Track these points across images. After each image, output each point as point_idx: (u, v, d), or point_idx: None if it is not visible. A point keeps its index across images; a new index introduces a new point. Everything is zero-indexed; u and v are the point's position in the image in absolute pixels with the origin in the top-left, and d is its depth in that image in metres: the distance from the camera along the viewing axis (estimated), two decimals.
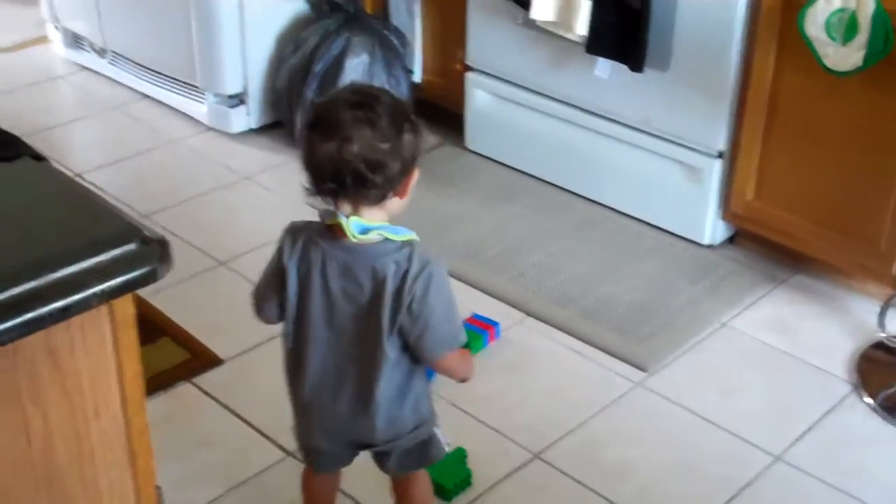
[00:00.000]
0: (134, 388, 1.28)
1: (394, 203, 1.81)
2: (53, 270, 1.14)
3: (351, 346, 1.86)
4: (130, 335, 1.26)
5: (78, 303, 1.14)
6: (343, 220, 1.76)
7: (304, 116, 1.81)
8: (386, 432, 1.92)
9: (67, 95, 4.18)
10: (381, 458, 2.02)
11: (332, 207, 1.79)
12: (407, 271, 1.78)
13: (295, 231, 1.86)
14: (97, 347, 1.23)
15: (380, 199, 1.78)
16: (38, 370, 1.20)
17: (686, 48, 3.01)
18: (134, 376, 1.28)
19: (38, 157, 1.36)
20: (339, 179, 1.73)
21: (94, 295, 1.15)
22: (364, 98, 1.77)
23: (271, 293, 1.89)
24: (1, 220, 1.23)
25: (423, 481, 2.11)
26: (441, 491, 2.31)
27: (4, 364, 1.17)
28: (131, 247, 1.19)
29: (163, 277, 1.21)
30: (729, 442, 2.53)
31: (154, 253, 1.20)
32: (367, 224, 1.77)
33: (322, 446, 2.00)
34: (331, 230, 1.81)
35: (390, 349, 1.83)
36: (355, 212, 1.78)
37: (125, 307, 1.24)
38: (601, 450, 2.50)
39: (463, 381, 1.99)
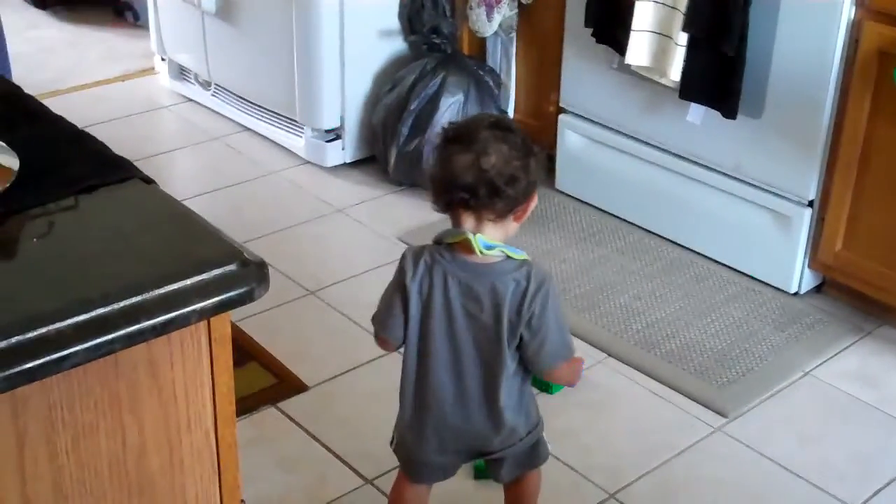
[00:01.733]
0: (226, 403, 1.34)
1: (511, 225, 1.95)
2: (158, 287, 1.20)
3: (471, 362, 1.98)
4: (226, 352, 1.32)
5: (178, 318, 1.20)
6: (470, 236, 1.88)
7: (439, 135, 1.96)
8: (504, 440, 2.04)
9: (171, 125, 4.31)
10: (494, 466, 2.13)
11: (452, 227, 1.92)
12: (526, 289, 1.91)
13: (415, 253, 1.96)
14: (194, 362, 1.29)
15: (505, 214, 1.91)
16: (139, 380, 1.26)
17: (779, 96, 3.02)
18: (226, 392, 1.34)
19: (148, 181, 1.44)
20: (473, 189, 1.86)
21: (194, 312, 1.21)
22: (500, 121, 1.95)
23: (396, 315, 1.98)
24: (112, 238, 1.30)
25: (534, 482, 2.21)
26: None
27: (108, 372, 1.24)
28: (231, 267, 1.25)
29: (260, 298, 1.27)
30: (807, 491, 2.52)
31: (252, 274, 1.26)
32: (490, 241, 1.89)
33: (433, 460, 2.10)
34: (451, 249, 1.92)
35: (510, 362, 1.96)
36: (478, 229, 1.90)
37: (222, 325, 1.30)
38: (677, 493, 2.51)
39: (569, 385, 2.14)
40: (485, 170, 1.85)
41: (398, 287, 1.97)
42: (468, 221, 1.91)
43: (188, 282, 1.22)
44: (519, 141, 1.91)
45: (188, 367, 1.29)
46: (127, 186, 1.41)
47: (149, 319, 1.18)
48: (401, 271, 1.96)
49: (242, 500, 1.44)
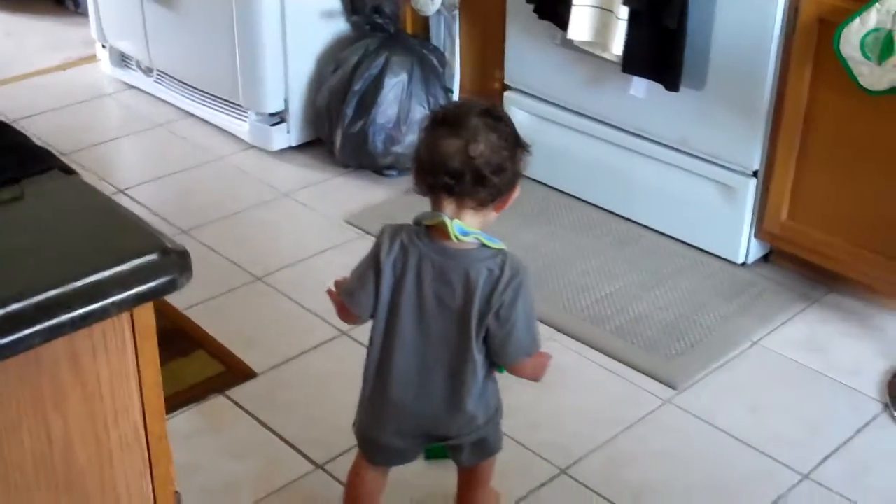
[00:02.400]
0: (153, 395, 1.31)
1: (491, 215, 1.93)
2: (76, 279, 1.18)
3: (438, 348, 1.96)
4: (151, 343, 1.29)
5: (98, 311, 1.18)
6: (447, 221, 1.86)
7: (426, 118, 1.93)
8: (461, 427, 2.03)
9: (114, 113, 4.26)
10: (454, 451, 2.12)
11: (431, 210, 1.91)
12: (499, 278, 1.89)
13: (393, 231, 1.95)
14: (118, 355, 1.27)
15: (487, 203, 1.90)
16: (61, 375, 1.24)
17: (722, 67, 3.02)
18: (153, 384, 1.31)
19: (68, 171, 1.41)
20: (458, 175, 1.84)
21: (114, 304, 1.18)
22: (491, 109, 1.92)
23: (366, 288, 1.95)
24: (28, 231, 1.27)
25: (488, 464, 2.20)
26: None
27: (28, 368, 1.21)
28: (152, 257, 1.22)
29: (183, 287, 1.25)
30: (757, 460, 2.53)
31: (174, 263, 1.23)
32: (466, 228, 1.88)
33: (393, 442, 2.08)
34: (428, 232, 1.91)
35: (476, 352, 1.95)
36: (457, 215, 1.88)
37: (146, 316, 1.27)
38: (628, 467, 2.51)
39: (534, 380, 2.10)
40: (472, 157, 1.83)
41: (372, 262, 1.95)
42: (449, 207, 1.89)
43: (107, 273, 1.19)
44: (508, 131, 1.90)
45: (112, 360, 1.26)
46: (46, 178, 1.38)
47: (67, 313, 1.15)
48: (376, 246, 1.94)
49: (176, 492, 1.42)
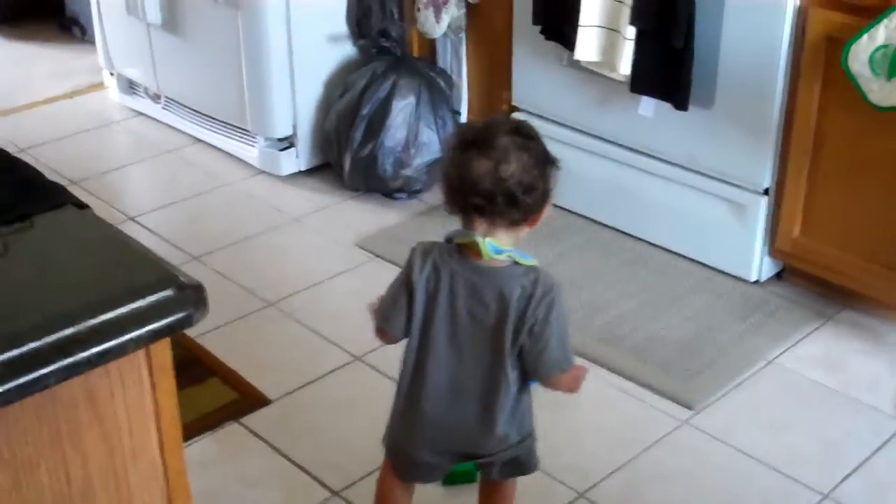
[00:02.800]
0: (171, 430, 1.31)
1: (523, 231, 1.93)
2: (92, 316, 1.17)
3: (472, 364, 1.96)
4: (168, 379, 1.29)
5: (115, 348, 1.17)
6: (479, 240, 1.86)
7: (453, 136, 1.92)
8: (495, 445, 2.02)
9: (122, 140, 4.27)
10: (484, 467, 2.11)
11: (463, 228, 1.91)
12: (532, 295, 1.89)
13: (424, 250, 1.95)
14: (135, 391, 1.26)
15: (520, 222, 1.90)
16: (78, 414, 1.23)
17: (730, 86, 3.02)
18: (171, 419, 1.31)
19: (81, 206, 1.40)
20: (490, 196, 1.83)
21: (131, 340, 1.18)
22: (521, 127, 1.91)
23: (400, 309, 1.96)
24: (44, 268, 1.27)
25: (511, 487, 2.20)
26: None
27: (45, 407, 1.20)
28: (168, 293, 1.22)
29: (199, 322, 1.25)
30: (776, 480, 2.51)
31: (189, 299, 1.23)
32: (500, 246, 1.88)
33: (424, 458, 2.08)
34: (460, 250, 1.91)
35: (510, 369, 1.94)
36: (489, 233, 1.88)
37: (162, 352, 1.27)
38: (646, 489, 2.50)
39: (570, 392, 2.09)
40: (503, 178, 1.83)
41: (405, 281, 1.95)
42: (481, 226, 1.88)
43: (123, 310, 1.19)
44: (538, 149, 1.90)
45: (129, 396, 1.26)
46: (60, 213, 1.37)
47: (83, 351, 1.15)
48: (409, 266, 1.95)
49: None
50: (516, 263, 1.91)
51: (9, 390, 1.10)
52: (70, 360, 1.14)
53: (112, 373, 1.23)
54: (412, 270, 1.93)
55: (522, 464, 2.11)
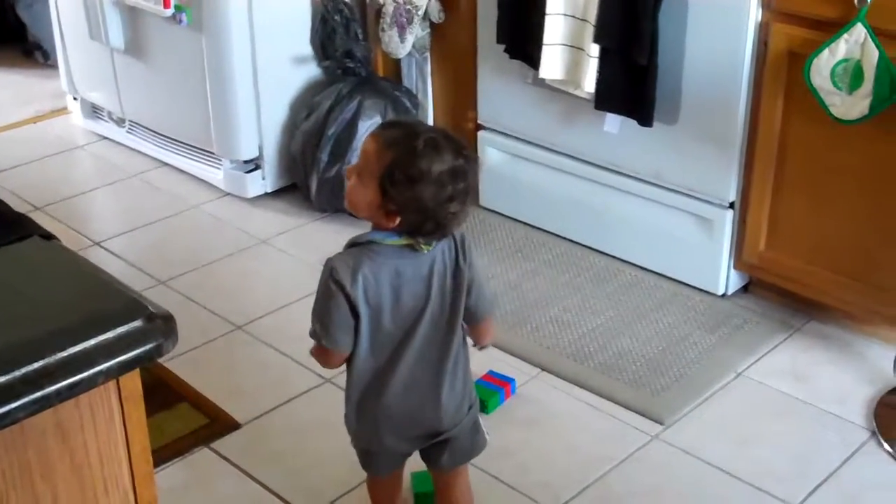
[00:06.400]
0: (142, 462, 1.30)
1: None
2: (61, 349, 1.17)
3: (420, 346, 2.04)
4: (138, 410, 1.28)
5: (85, 380, 1.17)
6: (412, 239, 1.98)
7: (438, 162, 1.93)
8: (453, 416, 2.11)
9: (87, 165, 4.24)
10: (437, 452, 2.16)
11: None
12: (455, 246, 2.03)
13: (343, 261, 1.98)
14: (105, 423, 1.25)
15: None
16: (48, 446, 1.22)
17: (694, 101, 3.04)
18: (142, 450, 1.30)
19: (48, 237, 1.40)
20: (445, 227, 1.97)
21: (101, 372, 1.17)
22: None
23: (343, 325, 1.99)
24: (10, 300, 1.26)
25: (466, 476, 2.26)
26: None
27: (15, 441, 1.19)
28: (137, 324, 1.22)
29: (168, 353, 1.24)
30: (746, 492, 2.52)
31: (159, 329, 1.23)
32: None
33: (390, 445, 2.13)
34: (387, 246, 1.99)
35: (456, 337, 2.06)
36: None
37: (132, 383, 1.26)
38: None
39: (489, 342, 2.25)
40: (465, 215, 2.00)
41: (339, 299, 1.96)
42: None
43: (93, 341, 1.18)
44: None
45: (99, 428, 1.25)
46: (26, 245, 1.37)
47: (53, 384, 1.14)
48: (336, 283, 1.95)
49: None
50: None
51: None
52: (39, 393, 1.14)
53: (82, 405, 1.23)
54: (343, 286, 1.95)
55: (473, 440, 2.18)
